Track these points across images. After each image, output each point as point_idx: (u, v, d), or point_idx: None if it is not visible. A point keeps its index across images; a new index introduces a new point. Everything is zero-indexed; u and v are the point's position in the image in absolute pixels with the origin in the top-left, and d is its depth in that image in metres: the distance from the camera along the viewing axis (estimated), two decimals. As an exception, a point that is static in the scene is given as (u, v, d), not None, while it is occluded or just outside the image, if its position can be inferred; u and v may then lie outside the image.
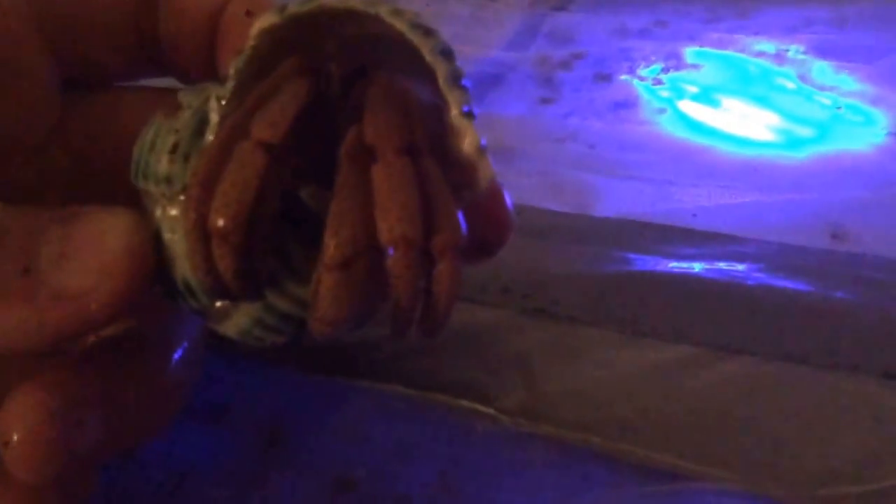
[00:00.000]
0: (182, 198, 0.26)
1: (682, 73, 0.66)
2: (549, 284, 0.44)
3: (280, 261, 0.25)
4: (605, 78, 0.67)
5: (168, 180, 0.26)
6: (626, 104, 0.64)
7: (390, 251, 0.22)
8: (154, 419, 0.32)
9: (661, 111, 0.62)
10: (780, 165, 0.55)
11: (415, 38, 0.24)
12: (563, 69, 0.69)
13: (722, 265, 0.45)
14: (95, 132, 0.32)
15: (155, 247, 0.26)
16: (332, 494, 0.35)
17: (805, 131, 0.59)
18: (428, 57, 0.24)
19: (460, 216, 0.23)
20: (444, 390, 0.39)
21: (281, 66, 0.25)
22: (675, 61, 0.68)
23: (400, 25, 0.24)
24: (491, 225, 0.27)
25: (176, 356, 0.31)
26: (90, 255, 0.25)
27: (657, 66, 0.68)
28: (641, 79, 0.66)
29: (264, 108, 0.24)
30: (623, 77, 0.67)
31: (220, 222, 0.23)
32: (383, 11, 0.24)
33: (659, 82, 0.66)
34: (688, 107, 0.62)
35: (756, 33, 0.71)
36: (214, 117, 0.26)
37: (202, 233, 0.23)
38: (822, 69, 0.65)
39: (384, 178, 0.23)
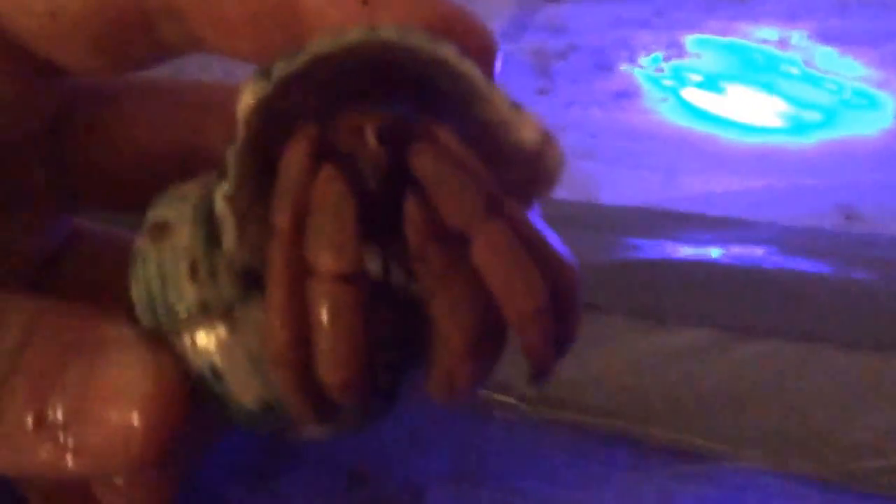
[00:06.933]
0: (236, 314, 0.24)
1: (684, 62, 0.66)
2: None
3: None
4: (605, 68, 0.67)
5: (204, 306, 0.24)
6: (627, 94, 0.63)
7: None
8: None
9: (664, 100, 0.62)
10: (788, 150, 0.56)
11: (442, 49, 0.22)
12: (558, 60, 0.68)
13: (737, 249, 0.45)
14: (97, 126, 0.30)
15: (201, 380, 0.24)
16: (347, 488, 0.35)
17: (812, 116, 0.59)
18: (454, 60, 0.22)
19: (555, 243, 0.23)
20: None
21: (292, 154, 0.22)
22: (675, 50, 0.68)
23: (419, 42, 0.22)
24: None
25: None
26: (114, 407, 0.22)
27: (658, 55, 0.67)
28: (642, 68, 0.66)
29: (314, 228, 0.21)
30: (623, 67, 0.67)
31: (340, 376, 0.21)
32: (415, 39, 0.22)
33: (660, 71, 0.65)
34: (692, 95, 0.62)
35: (756, 20, 0.72)
36: (229, 221, 0.23)
37: (308, 387, 0.21)
38: (826, 54, 0.65)
39: (491, 258, 0.21)
